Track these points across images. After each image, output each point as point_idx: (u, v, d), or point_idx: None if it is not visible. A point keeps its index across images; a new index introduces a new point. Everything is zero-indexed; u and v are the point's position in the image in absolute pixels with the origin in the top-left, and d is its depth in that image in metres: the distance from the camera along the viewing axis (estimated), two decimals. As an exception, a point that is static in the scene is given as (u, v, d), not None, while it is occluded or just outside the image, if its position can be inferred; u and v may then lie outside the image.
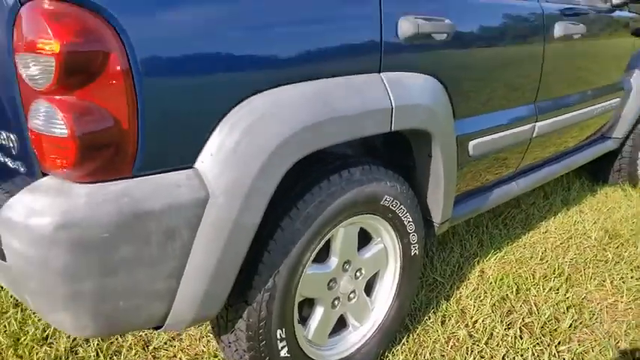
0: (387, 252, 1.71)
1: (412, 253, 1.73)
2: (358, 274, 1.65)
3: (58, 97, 0.98)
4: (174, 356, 1.78)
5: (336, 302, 1.60)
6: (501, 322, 1.97)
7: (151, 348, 1.80)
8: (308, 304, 1.58)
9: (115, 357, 1.76)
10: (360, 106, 1.36)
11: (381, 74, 1.46)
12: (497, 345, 1.85)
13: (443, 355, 1.80)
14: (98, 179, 1.05)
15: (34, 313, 2.03)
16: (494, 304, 2.07)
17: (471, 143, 1.87)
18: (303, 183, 1.38)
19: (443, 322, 1.96)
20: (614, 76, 2.80)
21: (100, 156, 1.02)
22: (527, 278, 2.26)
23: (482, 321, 1.97)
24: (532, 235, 2.68)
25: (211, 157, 1.15)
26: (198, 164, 1.15)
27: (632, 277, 2.30)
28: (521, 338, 1.88)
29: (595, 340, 1.89)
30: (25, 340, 1.86)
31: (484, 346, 1.84)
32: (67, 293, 1.06)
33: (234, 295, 1.31)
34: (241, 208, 1.17)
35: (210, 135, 1.15)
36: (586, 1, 2.53)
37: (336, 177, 1.43)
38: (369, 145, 1.76)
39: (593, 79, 2.61)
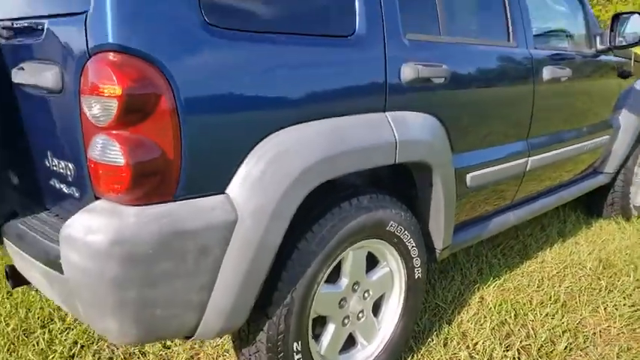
0: (393, 275, 1.86)
1: (416, 277, 1.88)
2: (366, 294, 1.79)
3: (116, 132, 1.17)
4: (195, 373, 1.90)
5: (346, 320, 1.74)
6: (500, 344, 2.09)
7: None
8: (320, 323, 1.72)
9: (139, 373, 1.89)
10: (368, 141, 1.55)
11: (386, 113, 1.65)
12: (497, 365, 1.97)
13: (446, 374, 1.92)
14: (144, 202, 1.22)
15: (60, 333, 2.16)
16: (493, 328, 2.20)
17: (469, 175, 2.05)
18: (318, 209, 1.55)
19: (445, 344, 2.08)
20: (602, 115, 3.00)
21: (149, 182, 1.20)
22: (524, 304, 2.39)
23: (483, 343, 2.09)
24: (529, 265, 2.82)
25: (240, 185, 1.32)
26: (229, 190, 1.32)
27: (624, 305, 2.42)
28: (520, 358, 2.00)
29: (589, 361, 2.01)
30: (53, 357, 2.00)
31: (484, 365, 1.96)
32: (115, 301, 1.21)
33: (255, 310, 1.45)
34: (265, 229, 1.34)
35: (240, 165, 1.33)
36: (573, 47, 2.76)
37: (346, 204, 1.60)
38: (377, 176, 1.92)
39: (582, 117, 2.81)
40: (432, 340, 2.09)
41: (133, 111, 1.16)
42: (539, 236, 3.22)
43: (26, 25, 1.38)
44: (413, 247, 1.83)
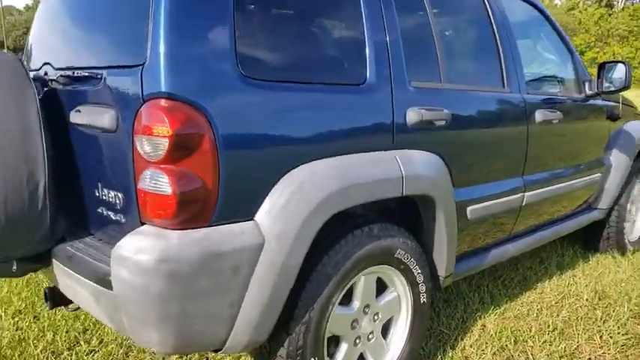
0: (400, 299, 2.02)
1: (421, 301, 2.04)
2: (376, 317, 1.95)
3: (165, 166, 1.37)
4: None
5: (357, 341, 1.89)
6: (501, 367, 2.22)
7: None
8: (334, 344, 1.87)
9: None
10: (377, 175, 1.75)
11: (394, 151, 1.85)
12: (498, 386, 2.10)
13: (450, 394, 2.04)
14: (186, 227, 1.41)
15: (86, 355, 2.30)
16: (494, 353, 2.33)
17: (469, 209, 2.23)
18: (334, 236, 1.73)
19: (449, 367, 2.22)
20: (594, 154, 3.20)
21: (191, 209, 1.40)
22: (524, 332, 2.52)
23: (485, 366, 2.22)
24: (529, 295, 2.96)
25: (267, 213, 1.51)
26: (257, 217, 1.51)
27: (618, 333, 2.55)
28: (519, 381, 2.13)
29: (585, 384, 2.14)
30: (82, 377, 2.14)
31: (486, 387, 2.09)
32: (159, 314, 1.39)
33: (276, 327, 1.61)
34: (288, 252, 1.52)
35: (267, 195, 1.52)
36: (563, 92, 3.00)
37: (359, 232, 1.79)
38: (386, 209, 2.10)
39: (574, 156, 3.01)
40: (437, 364, 2.23)
41: (181, 148, 1.36)
42: (539, 269, 3.37)
43: (86, 74, 1.61)
44: (419, 273, 1.99)
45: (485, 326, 2.58)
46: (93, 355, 2.31)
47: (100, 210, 1.64)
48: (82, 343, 2.40)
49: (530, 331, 2.54)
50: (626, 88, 2.88)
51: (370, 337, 1.94)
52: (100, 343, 2.41)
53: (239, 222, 1.48)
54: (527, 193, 2.58)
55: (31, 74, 1.71)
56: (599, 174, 3.23)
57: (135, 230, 1.44)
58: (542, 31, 3.07)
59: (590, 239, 3.68)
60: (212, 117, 1.40)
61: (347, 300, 1.85)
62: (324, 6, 1.86)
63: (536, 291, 3.03)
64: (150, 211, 1.41)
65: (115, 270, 1.41)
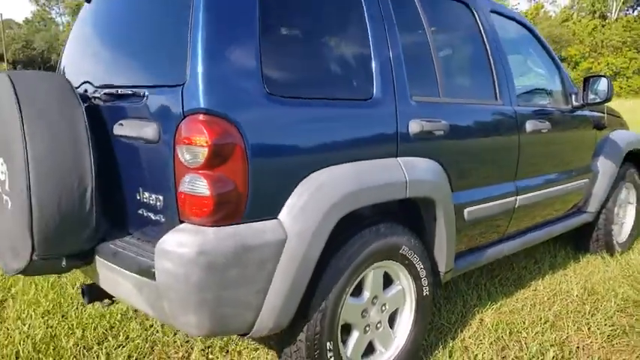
0: (405, 292, 2.23)
1: (424, 294, 2.25)
2: (383, 308, 2.16)
3: (203, 172, 1.59)
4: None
5: (367, 329, 2.10)
6: (497, 355, 2.43)
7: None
8: (346, 332, 2.08)
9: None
10: (384, 180, 1.97)
11: (398, 158, 2.08)
12: (494, 372, 2.31)
13: (451, 379, 2.25)
14: (220, 224, 1.62)
15: (115, 349, 2.50)
16: (491, 343, 2.54)
17: (466, 210, 2.45)
18: (346, 234, 1.95)
19: (450, 356, 2.42)
20: (581, 161, 3.43)
21: (225, 209, 1.61)
22: (518, 324, 2.73)
23: (482, 355, 2.43)
24: (523, 292, 3.17)
25: (288, 212, 1.73)
26: (280, 216, 1.73)
27: (605, 325, 2.76)
28: (514, 366, 2.34)
29: (573, 369, 2.35)
30: (114, 368, 2.34)
31: (484, 372, 2.30)
32: (197, 300, 1.60)
33: (296, 314, 1.82)
34: (307, 247, 1.73)
35: (288, 197, 1.74)
36: (552, 104, 3.24)
37: (367, 231, 2.01)
38: (391, 210, 2.31)
39: (563, 163, 3.24)
40: (439, 353, 2.43)
41: (217, 156, 1.58)
42: (533, 268, 3.59)
43: (129, 92, 1.84)
44: (421, 268, 2.21)
45: (482, 320, 2.79)
46: (121, 349, 2.50)
47: (140, 212, 1.85)
48: (110, 338, 2.59)
49: (524, 323, 2.75)
50: (608, 99, 3.13)
51: (378, 325, 2.15)
52: (127, 338, 2.61)
53: (265, 220, 1.70)
54: (519, 197, 2.80)
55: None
56: (587, 179, 3.46)
57: (176, 228, 1.65)
58: (531, 48, 3.32)
59: (581, 241, 3.90)
60: (243, 129, 1.62)
61: (357, 292, 2.06)
62: (337, 31, 2.11)
63: (530, 288, 3.24)
64: (189, 210, 1.63)
65: (158, 262, 1.62)
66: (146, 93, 1.76)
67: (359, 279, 2.01)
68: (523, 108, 2.83)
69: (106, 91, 1.93)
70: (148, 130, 1.71)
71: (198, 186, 1.59)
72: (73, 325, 2.73)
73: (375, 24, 2.10)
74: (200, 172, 1.59)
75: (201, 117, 1.59)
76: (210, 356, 2.45)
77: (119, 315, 2.82)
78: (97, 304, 2.88)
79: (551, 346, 2.52)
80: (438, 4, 2.58)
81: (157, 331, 2.66)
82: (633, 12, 53.32)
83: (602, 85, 3.13)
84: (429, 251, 2.31)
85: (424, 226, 2.30)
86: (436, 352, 2.44)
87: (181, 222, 1.68)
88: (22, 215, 1.73)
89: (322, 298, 1.86)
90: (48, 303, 2.98)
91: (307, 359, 1.87)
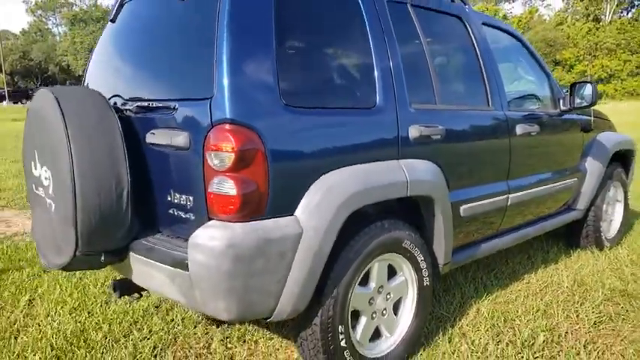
0: (407, 282, 2.45)
1: (425, 284, 2.47)
2: (388, 296, 2.38)
3: (230, 174, 1.82)
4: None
5: (374, 315, 2.32)
6: (493, 340, 2.65)
7: None
8: (355, 318, 2.29)
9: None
10: (388, 180, 2.20)
11: (399, 161, 2.31)
12: (490, 354, 2.52)
13: (451, 361, 2.47)
14: (245, 220, 1.85)
15: (140, 341, 2.71)
16: (487, 329, 2.76)
17: (462, 207, 2.68)
18: (354, 229, 2.17)
19: (450, 341, 2.64)
20: (570, 162, 3.67)
21: (249, 206, 1.84)
22: (512, 313, 2.96)
23: (479, 340, 2.65)
24: (517, 285, 3.40)
25: (304, 209, 1.95)
26: (297, 213, 1.95)
27: (593, 312, 2.98)
28: (507, 349, 2.56)
29: (562, 351, 2.57)
30: (142, 355, 2.55)
31: (480, 354, 2.52)
32: (227, 288, 1.82)
33: (312, 300, 2.04)
34: (321, 239, 1.96)
35: (303, 196, 1.97)
36: (541, 108, 3.48)
37: (372, 226, 2.23)
38: (394, 208, 2.53)
39: (552, 163, 3.48)
40: (439, 338, 2.65)
41: (242, 160, 1.81)
42: (526, 263, 3.82)
43: (160, 105, 2.06)
44: (422, 260, 2.43)
45: (479, 310, 3.01)
46: (146, 341, 2.71)
47: (170, 211, 2.07)
48: (134, 332, 2.80)
49: (518, 312, 2.97)
50: (593, 104, 3.37)
51: (384, 312, 2.37)
52: (150, 332, 2.82)
53: (283, 216, 1.92)
54: (511, 195, 3.03)
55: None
56: (575, 179, 3.70)
57: (206, 224, 1.87)
58: (521, 56, 3.56)
59: (572, 237, 4.13)
60: (263, 136, 1.85)
61: (365, 282, 2.28)
62: (343, 47, 2.35)
63: (523, 281, 3.47)
64: (217, 208, 1.85)
65: (191, 254, 1.85)
66: (176, 106, 1.99)
67: (366, 270, 2.23)
68: (513, 112, 3.07)
69: (138, 104, 2.16)
70: (180, 139, 1.94)
71: (225, 187, 1.82)
72: (99, 320, 2.94)
73: (376, 39, 2.33)
74: (227, 174, 1.82)
75: (227, 126, 1.82)
76: (229, 345, 2.66)
77: (141, 311, 3.03)
78: (119, 301, 3.13)
79: (542, 331, 2.74)
80: (434, 18, 2.82)
81: (178, 325, 2.87)
82: (627, 14, 53.90)
83: (588, 90, 3.37)
84: (428, 245, 2.54)
85: (424, 223, 2.53)
86: (436, 337, 2.66)
87: (210, 219, 1.90)
88: (67, 215, 1.96)
89: (334, 286, 2.08)
90: (73, 301, 3.19)
91: (321, 341, 2.09)
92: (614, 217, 4.29)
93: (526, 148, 3.15)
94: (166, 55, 2.21)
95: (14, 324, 2.89)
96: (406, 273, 2.44)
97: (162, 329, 2.83)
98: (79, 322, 2.93)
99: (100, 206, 1.97)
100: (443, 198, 2.49)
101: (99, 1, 65.90)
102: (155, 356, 2.59)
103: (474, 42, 2.98)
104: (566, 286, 3.35)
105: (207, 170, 1.87)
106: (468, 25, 2.98)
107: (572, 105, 3.43)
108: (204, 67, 1.90)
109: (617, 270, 3.68)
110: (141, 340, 2.73)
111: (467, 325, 2.81)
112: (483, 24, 3.12)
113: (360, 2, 2.32)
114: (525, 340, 2.64)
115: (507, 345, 2.60)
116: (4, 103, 43.37)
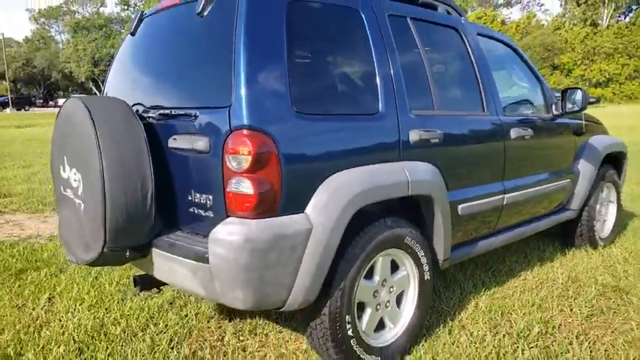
0: (409, 277, 2.62)
1: (425, 278, 2.64)
2: (391, 289, 2.55)
3: (247, 175, 1.99)
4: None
5: (378, 307, 2.49)
6: (490, 331, 2.81)
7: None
8: (360, 310, 2.46)
9: None
10: (390, 180, 2.38)
11: (401, 162, 2.48)
12: (487, 344, 2.69)
13: (450, 350, 2.63)
14: (261, 217, 2.02)
15: (157, 334, 2.87)
16: (485, 322, 2.92)
17: (460, 206, 2.86)
18: (359, 225, 2.34)
19: (450, 332, 2.81)
20: (563, 164, 3.85)
21: (265, 204, 2.01)
22: (509, 307, 3.12)
23: (477, 332, 2.81)
24: (514, 281, 3.56)
25: (313, 207, 2.13)
26: (307, 210, 2.12)
27: (586, 306, 3.15)
28: (504, 339, 2.72)
29: (555, 341, 2.73)
30: (159, 346, 2.71)
31: (478, 345, 2.68)
32: (244, 279, 1.99)
33: (321, 291, 2.20)
34: (329, 235, 2.13)
35: (313, 195, 2.14)
36: (534, 113, 3.66)
37: (377, 223, 2.40)
38: (397, 207, 2.70)
39: (546, 165, 3.65)
40: (440, 330, 2.82)
41: (258, 162, 1.98)
42: (523, 261, 3.99)
43: (181, 112, 2.24)
44: (422, 256, 2.60)
45: (477, 304, 3.18)
46: (163, 334, 2.88)
47: (191, 210, 2.25)
48: (151, 326, 2.97)
49: (514, 306, 3.14)
50: (584, 108, 3.55)
51: (388, 304, 2.54)
52: (166, 326, 2.98)
53: (295, 214, 2.09)
54: (506, 195, 3.21)
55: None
56: (568, 180, 3.87)
57: (224, 221, 2.05)
58: (515, 64, 3.75)
59: (567, 236, 4.31)
60: (277, 140, 2.03)
61: (369, 275, 2.45)
62: (348, 58, 2.54)
63: (520, 278, 3.64)
64: (235, 206, 2.03)
65: (211, 248, 2.02)
66: (197, 113, 2.17)
67: (371, 264, 2.40)
68: (508, 117, 3.25)
69: (160, 111, 2.34)
70: (200, 143, 2.12)
71: (243, 186, 1.99)
72: (117, 316, 3.10)
73: (379, 50, 2.52)
74: (244, 175, 2.00)
75: (245, 132, 1.99)
76: (242, 338, 2.83)
77: (156, 307, 3.20)
78: (135, 298, 3.30)
79: (537, 323, 2.91)
80: (432, 30, 3.01)
81: (192, 319, 3.04)
82: (625, 18, 54.27)
83: (578, 95, 3.55)
84: (429, 242, 2.71)
85: (424, 221, 2.70)
86: (437, 329, 2.83)
87: (228, 216, 2.07)
88: (97, 214, 2.13)
89: (341, 279, 2.25)
90: (91, 299, 3.36)
91: (330, 330, 2.26)
92: (607, 217, 4.46)
93: (520, 150, 3.32)
94: (186, 67, 2.40)
95: (37, 320, 3.05)
96: (408, 268, 2.61)
97: (178, 324, 2.99)
98: (98, 317, 3.09)
99: (126, 205, 2.14)
100: (442, 197, 2.66)
101: (101, 9, 66.47)
102: (172, 348, 2.76)
103: (470, 51, 3.17)
104: (561, 282, 3.52)
105: (226, 171, 2.05)
106: (464, 36, 3.16)
107: (564, 110, 3.61)
108: (223, 78, 2.08)
109: (610, 267, 3.84)
110: (158, 334, 2.89)
111: (466, 319, 2.98)
112: (478, 34, 3.31)
113: (363, 16, 2.50)
114: (521, 332, 2.81)
115: (504, 336, 2.77)
116: (8, 110, 43.67)
